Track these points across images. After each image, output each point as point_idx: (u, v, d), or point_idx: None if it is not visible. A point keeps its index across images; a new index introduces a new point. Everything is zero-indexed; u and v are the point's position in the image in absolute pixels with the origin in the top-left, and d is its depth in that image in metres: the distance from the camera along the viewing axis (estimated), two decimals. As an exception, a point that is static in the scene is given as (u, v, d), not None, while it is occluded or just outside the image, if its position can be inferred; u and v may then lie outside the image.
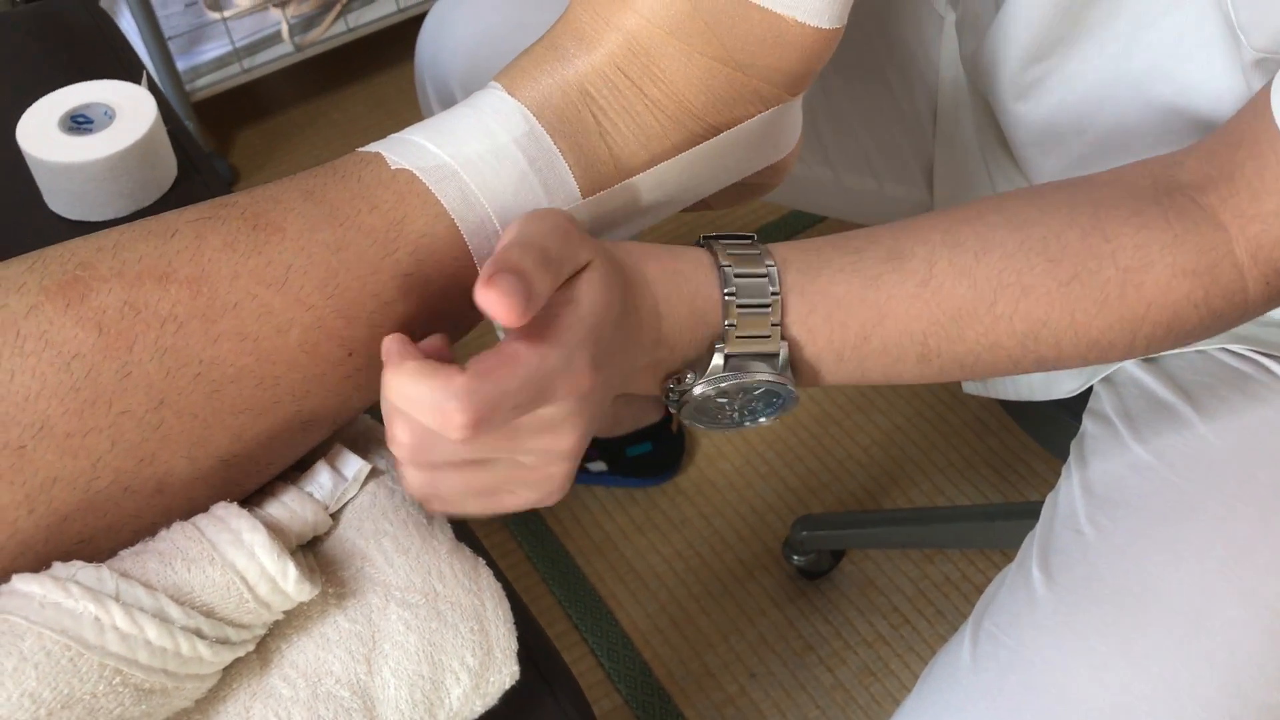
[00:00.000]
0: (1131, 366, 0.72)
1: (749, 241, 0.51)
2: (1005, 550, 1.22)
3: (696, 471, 1.33)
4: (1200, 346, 0.68)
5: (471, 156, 0.49)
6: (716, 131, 0.52)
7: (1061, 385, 0.80)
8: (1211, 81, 0.59)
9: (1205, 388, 0.66)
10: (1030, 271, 0.50)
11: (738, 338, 0.49)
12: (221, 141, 1.77)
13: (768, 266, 0.49)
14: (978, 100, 0.81)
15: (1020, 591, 0.62)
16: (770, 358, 0.50)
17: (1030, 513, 0.99)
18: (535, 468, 0.45)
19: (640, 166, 0.52)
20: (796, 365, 0.51)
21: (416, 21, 1.81)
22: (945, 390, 1.38)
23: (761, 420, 0.53)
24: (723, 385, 0.49)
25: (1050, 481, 1.28)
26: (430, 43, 0.92)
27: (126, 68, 0.77)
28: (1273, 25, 0.56)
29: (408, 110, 1.80)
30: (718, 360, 0.49)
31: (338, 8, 1.71)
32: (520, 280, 0.39)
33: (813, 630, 1.21)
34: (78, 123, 0.65)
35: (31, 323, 0.41)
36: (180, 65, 1.62)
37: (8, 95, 0.73)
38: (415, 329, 0.48)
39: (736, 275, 0.49)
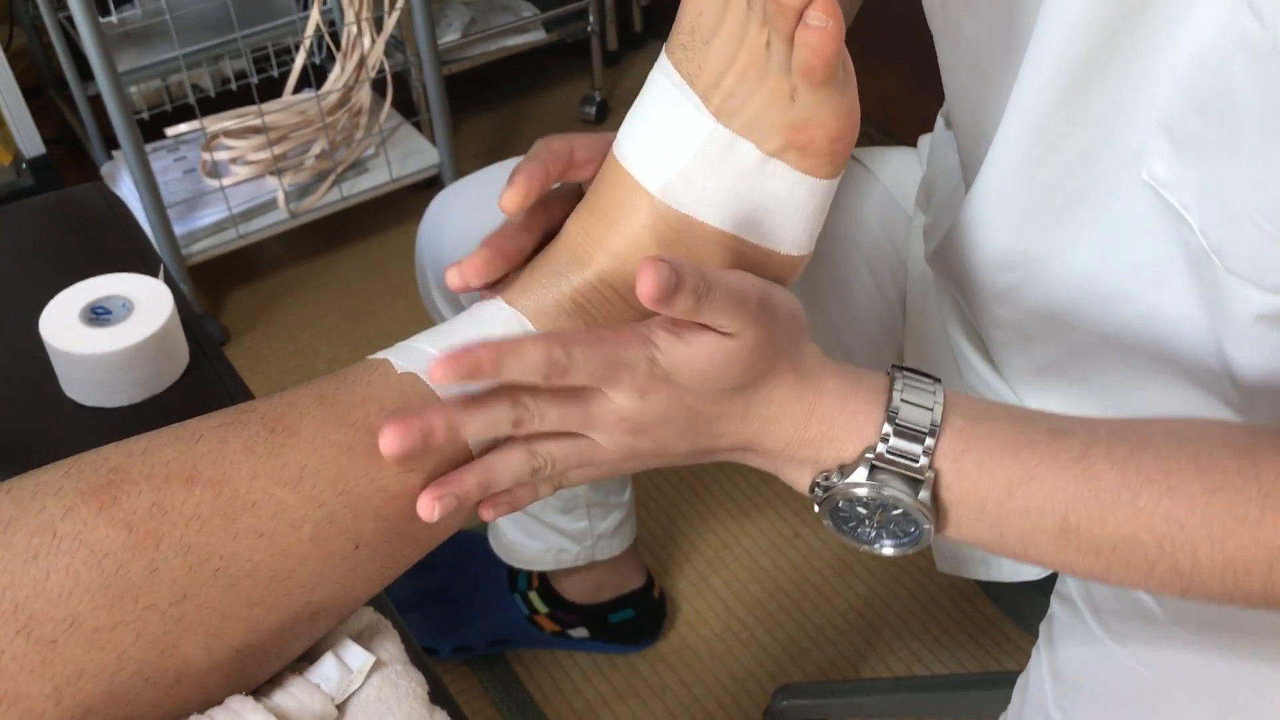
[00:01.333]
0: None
1: (930, 379, 0.55)
2: (981, 718, 1.24)
3: (677, 637, 1.34)
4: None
5: None
6: None
7: (1029, 568, 0.83)
8: (1172, 307, 0.62)
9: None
10: (1178, 473, 0.51)
11: (888, 454, 0.52)
12: (214, 301, 1.82)
13: (935, 401, 0.53)
14: (945, 296, 0.85)
15: None
16: (914, 483, 0.52)
17: (1005, 682, 1.01)
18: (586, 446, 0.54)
19: None
20: (938, 502, 0.53)
21: (408, 190, 1.89)
22: (922, 558, 1.41)
23: (887, 549, 0.57)
24: (862, 493, 0.53)
25: (1024, 649, 1.30)
26: (432, 232, 0.97)
27: (143, 258, 0.81)
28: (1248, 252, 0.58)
29: (398, 273, 1.86)
30: (862, 469, 0.53)
31: (332, 177, 1.78)
32: (674, 274, 0.47)
33: (793, 801, 1.20)
34: (98, 314, 0.69)
35: (68, 524, 0.44)
36: (178, 230, 1.67)
37: (28, 283, 0.77)
38: (418, 522, 0.51)
39: (903, 399, 0.53)
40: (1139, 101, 0.57)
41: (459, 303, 0.96)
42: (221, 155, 1.75)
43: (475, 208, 0.93)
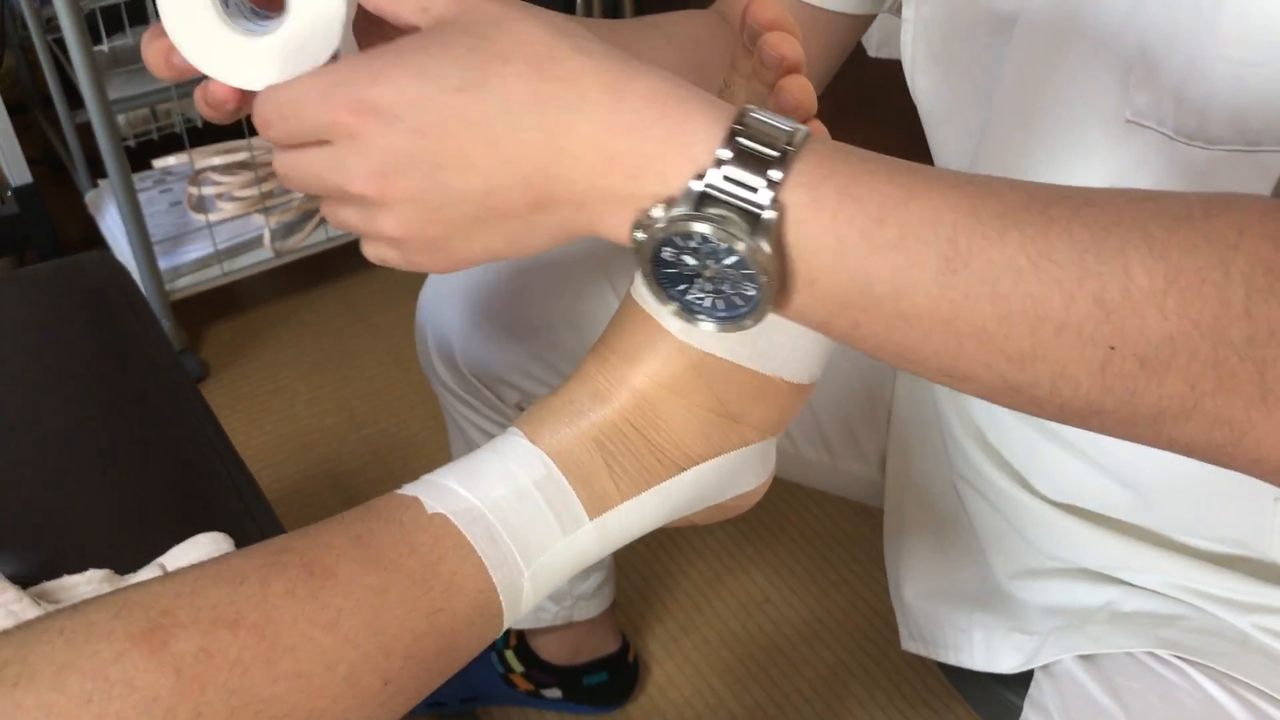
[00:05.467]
0: (1071, 663, 0.78)
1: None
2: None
3: (648, 700, 1.36)
4: (1130, 648, 0.75)
5: (497, 499, 0.55)
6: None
7: (1003, 661, 0.86)
8: None
9: (1137, 694, 0.72)
10: (1095, 190, 0.42)
11: (725, 178, 0.42)
12: (193, 337, 1.82)
13: (793, 125, 0.43)
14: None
15: None
16: (755, 220, 0.42)
17: None
18: (362, 221, 0.48)
19: (639, 493, 0.59)
20: (787, 248, 0.42)
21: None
22: (888, 627, 1.44)
23: (706, 323, 0.47)
24: (686, 230, 0.42)
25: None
26: (433, 298, 0.99)
27: (145, 328, 0.82)
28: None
29: (380, 314, 1.87)
30: (688, 202, 0.42)
31: (318, 217, 1.79)
32: None
33: None
34: None
35: (119, 669, 0.46)
36: (162, 264, 1.67)
37: (26, 357, 0.78)
38: (442, 654, 0.54)
39: (753, 114, 0.43)
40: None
41: (460, 372, 0.98)
42: (209, 190, 1.76)
43: (477, 271, 0.95)
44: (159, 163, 1.77)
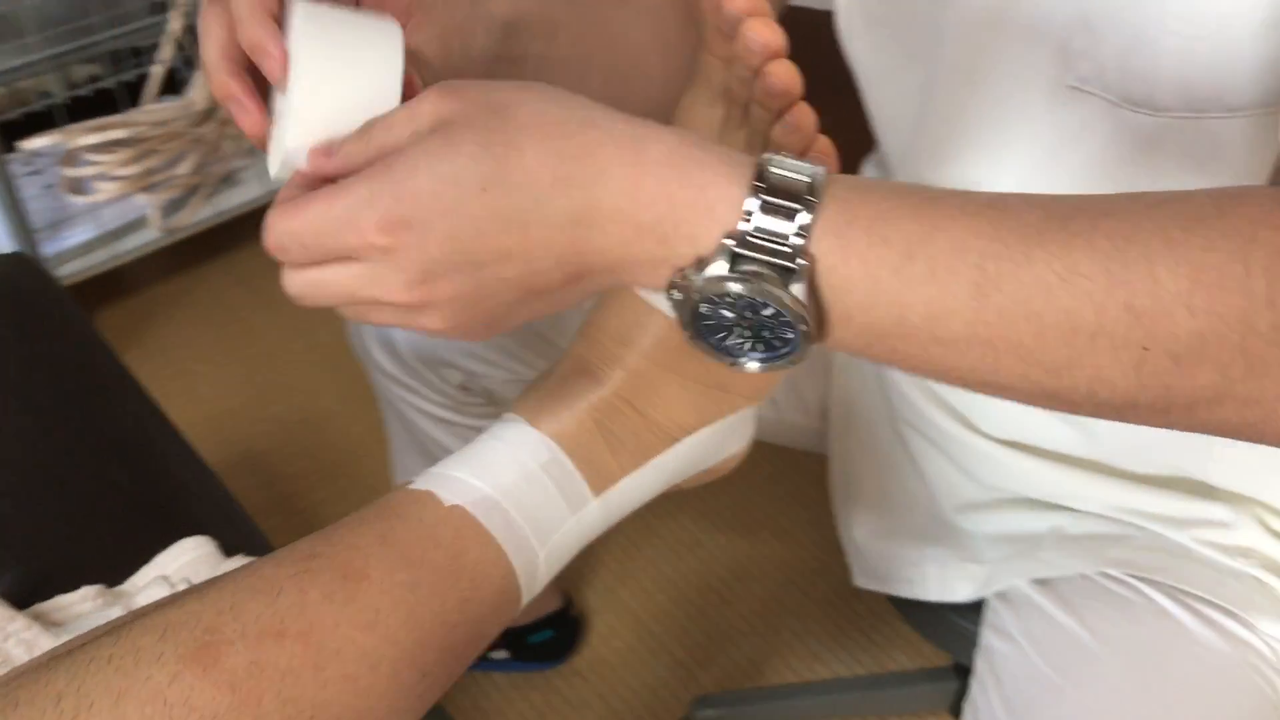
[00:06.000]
0: (1025, 587, 0.83)
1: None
2: (881, 715, 1.33)
3: (591, 652, 1.39)
4: (1084, 570, 0.80)
5: (509, 486, 0.57)
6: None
7: (957, 591, 0.91)
8: None
9: (1097, 612, 0.77)
10: (1116, 198, 0.43)
11: (754, 235, 0.43)
12: (82, 323, 1.76)
13: (812, 171, 0.44)
14: None
15: None
16: (788, 273, 0.43)
17: (901, 682, 1.23)
18: (402, 319, 0.48)
19: (638, 467, 0.61)
20: (820, 292, 0.44)
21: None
22: (814, 559, 1.49)
23: (753, 363, 0.48)
24: (722, 290, 0.43)
25: (915, 645, 1.40)
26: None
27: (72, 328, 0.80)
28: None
29: (272, 287, 1.82)
30: (722, 260, 0.43)
31: (205, 191, 1.74)
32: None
33: (713, 803, 1.28)
34: None
35: (175, 691, 0.46)
36: (47, 250, 1.61)
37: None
38: (471, 641, 0.55)
39: (772, 168, 0.43)
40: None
41: (401, 358, 0.97)
42: (85, 171, 1.69)
43: None
44: (28, 145, 1.68)
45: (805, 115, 0.52)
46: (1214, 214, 0.41)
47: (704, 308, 0.45)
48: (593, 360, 0.60)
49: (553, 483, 0.58)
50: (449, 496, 0.56)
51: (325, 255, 0.46)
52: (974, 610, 0.89)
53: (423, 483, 0.57)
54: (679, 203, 0.44)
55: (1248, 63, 0.58)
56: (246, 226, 1.90)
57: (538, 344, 0.96)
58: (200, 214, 1.73)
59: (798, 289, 0.43)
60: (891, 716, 1.34)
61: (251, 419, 1.63)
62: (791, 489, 1.57)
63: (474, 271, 0.45)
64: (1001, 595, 0.85)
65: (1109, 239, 0.41)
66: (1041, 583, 0.82)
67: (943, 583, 0.91)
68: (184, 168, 1.71)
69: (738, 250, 0.43)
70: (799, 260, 0.43)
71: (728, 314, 0.45)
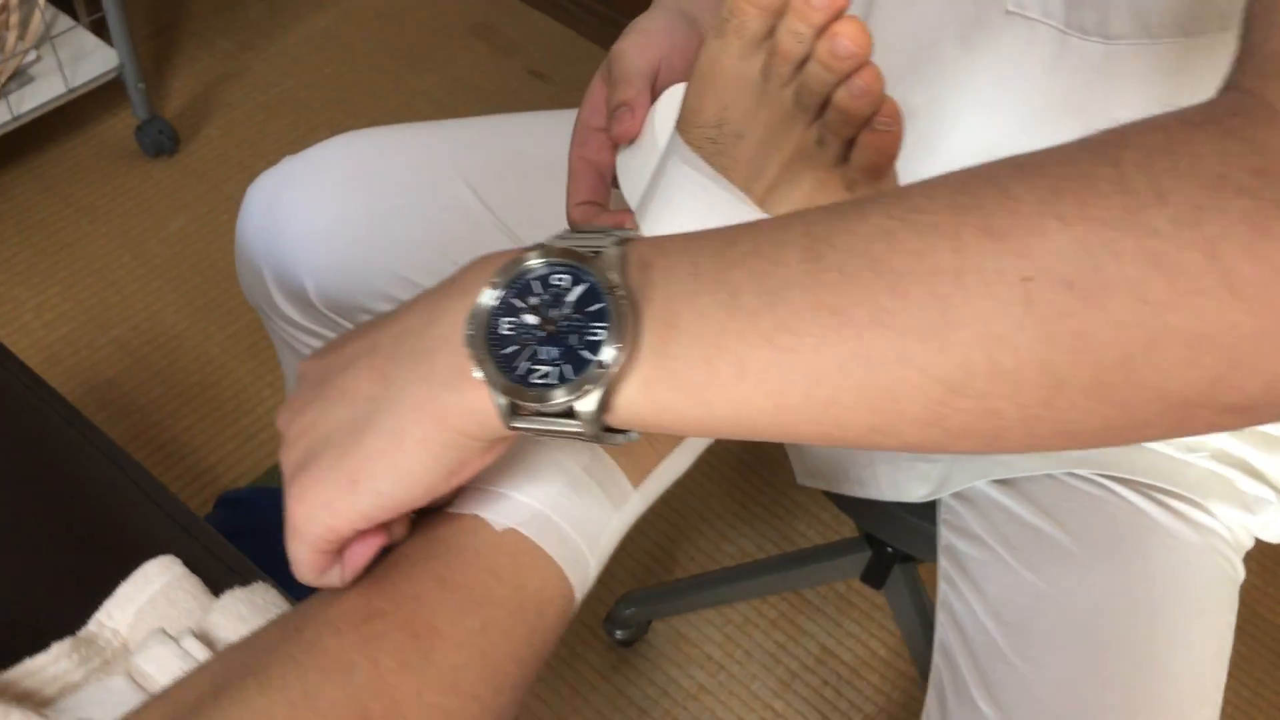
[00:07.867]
0: (986, 488, 0.84)
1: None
2: (798, 590, 1.37)
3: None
4: (1049, 469, 0.81)
5: (556, 496, 0.53)
6: None
7: (911, 491, 0.91)
8: None
9: (1071, 512, 0.79)
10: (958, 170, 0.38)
11: (550, 253, 0.41)
12: None
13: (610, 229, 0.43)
14: None
15: None
16: (593, 256, 0.40)
17: (812, 558, 1.23)
18: None
19: (673, 450, 0.58)
20: (635, 286, 0.39)
21: (84, 99, 1.65)
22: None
23: (554, 389, 0.40)
24: (530, 267, 0.41)
25: (814, 513, 1.43)
26: (262, 229, 0.88)
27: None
28: None
29: (81, 192, 1.66)
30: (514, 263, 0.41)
31: (-5, 93, 1.54)
32: None
33: (642, 694, 1.29)
34: None
35: None
36: None
37: None
38: (537, 666, 0.51)
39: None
40: None
41: (312, 306, 0.89)
42: None
43: (322, 192, 0.86)
44: None
45: (875, 77, 0.48)
46: (1073, 144, 0.35)
47: (504, 323, 0.41)
48: None
49: (597, 485, 0.54)
50: (499, 519, 0.51)
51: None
52: (927, 508, 0.90)
53: (466, 505, 0.52)
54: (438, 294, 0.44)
55: None
56: (46, 129, 1.71)
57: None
58: (-5, 119, 1.54)
59: (610, 269, 0.39)
60: (806, 589, 1.38)
61: (90, 346, 1.49)
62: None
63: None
64: (959, 495, 0.86)
65: (948, 183, 0.36)
66: (1004, 483, 0.83)
67: (895, 484, 0.91)
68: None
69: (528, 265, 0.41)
70: (610, 248, 0.40)
71: (530, 319, 0.40)
